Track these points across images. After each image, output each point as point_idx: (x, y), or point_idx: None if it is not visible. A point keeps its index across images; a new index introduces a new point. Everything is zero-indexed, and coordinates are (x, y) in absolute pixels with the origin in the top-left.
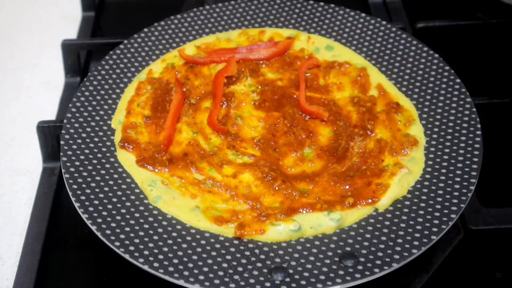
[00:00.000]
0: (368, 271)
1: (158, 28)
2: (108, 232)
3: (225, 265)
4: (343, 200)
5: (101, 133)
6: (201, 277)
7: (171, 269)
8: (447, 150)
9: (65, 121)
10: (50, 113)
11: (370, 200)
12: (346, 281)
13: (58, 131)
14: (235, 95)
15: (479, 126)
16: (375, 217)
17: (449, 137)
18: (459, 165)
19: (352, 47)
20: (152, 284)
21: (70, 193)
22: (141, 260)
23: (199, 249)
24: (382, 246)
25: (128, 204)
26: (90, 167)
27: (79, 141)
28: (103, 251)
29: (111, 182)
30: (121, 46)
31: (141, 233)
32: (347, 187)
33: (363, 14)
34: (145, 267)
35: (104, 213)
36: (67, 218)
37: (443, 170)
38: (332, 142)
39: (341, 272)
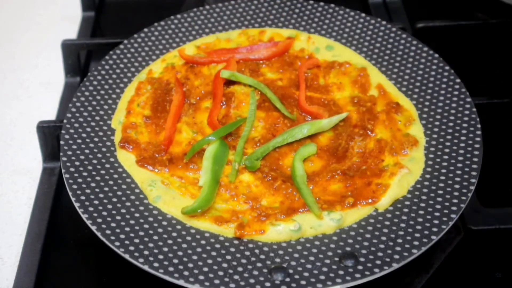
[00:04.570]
0: (368, 271)
1: (158, 28)
2: (108, 232)
3: (225, 265)
4: (343, 200)
5: (101, 133)
6: (201, 277)
7: (171, 269)
8: (447, 150)
9: (65, 121)
10: (50, 113)
11: (370, 200)
12: (346, 281)
13: (58, 131)
14: (235, 95)
15: (479, 126)
16: (375, 217)
17: (449, 137)
18: (459, 165)
19: (352, 47)
20: (152, 284)
21: (70, 193)
22: (141, 260)
23: (199, 249)
24: (382, 246)
25: (128, 204)
26: (90, 167)
27: (79, 141)
28: (103, 251)
29: (111, 182)
30: (121, 46)
31: (141, 233)
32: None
33: (363, 14)
34: (145, 267)
35: (104, 213)
36: (67, 218)
37: (443, 170)
38: (332, 142)
39: (341, 272)
